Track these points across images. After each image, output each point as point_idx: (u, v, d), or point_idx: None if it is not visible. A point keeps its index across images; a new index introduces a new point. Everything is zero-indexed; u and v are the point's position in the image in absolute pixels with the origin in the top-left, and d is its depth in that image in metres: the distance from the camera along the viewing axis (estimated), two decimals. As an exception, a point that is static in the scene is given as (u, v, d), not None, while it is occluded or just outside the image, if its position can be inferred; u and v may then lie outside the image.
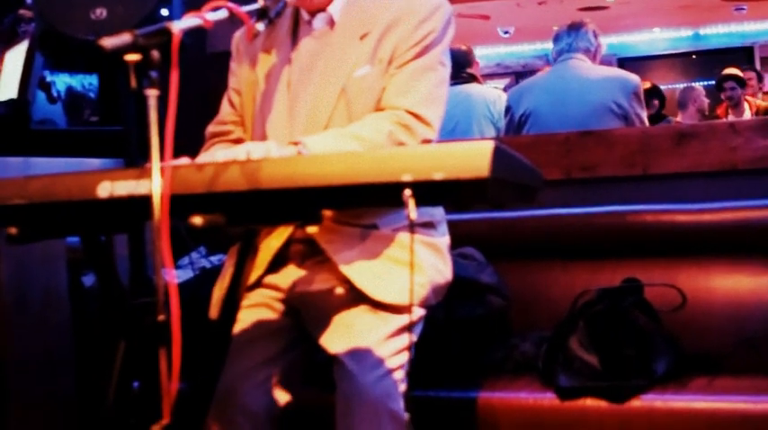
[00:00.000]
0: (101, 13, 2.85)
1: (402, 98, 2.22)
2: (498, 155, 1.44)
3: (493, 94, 5.47)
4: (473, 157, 1.43)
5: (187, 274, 3.25)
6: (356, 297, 2.21)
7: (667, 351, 2.64)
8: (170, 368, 1.53)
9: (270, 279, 2.31)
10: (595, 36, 4.62)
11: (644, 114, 4.43)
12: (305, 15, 2.36)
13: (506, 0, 11.66)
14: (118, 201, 1.65)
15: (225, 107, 2.49)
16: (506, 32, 13.63)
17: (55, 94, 3.92)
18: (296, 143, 2.09)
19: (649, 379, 2.54)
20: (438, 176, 1.43)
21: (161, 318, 1.52)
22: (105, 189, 1.65)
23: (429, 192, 1.48)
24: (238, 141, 2.42)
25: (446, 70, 2.33)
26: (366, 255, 2.23)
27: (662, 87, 8.17)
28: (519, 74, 13.62)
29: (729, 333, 2.81)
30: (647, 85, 7.93)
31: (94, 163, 3.18)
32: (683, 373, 2.63)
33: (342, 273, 2.22)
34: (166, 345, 1.52)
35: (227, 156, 1.94)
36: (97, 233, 1.96)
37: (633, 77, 4.49)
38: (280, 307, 2.32)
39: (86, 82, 4.16)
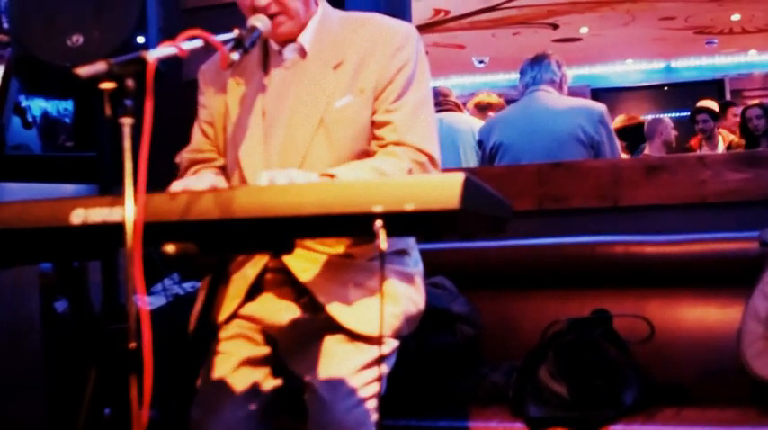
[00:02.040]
0: (77, 39, 2.86)
1: (411, 135, 2.25)
2: (468, 186, 1.46)
3: (479, 123, 5.52)
4: (444, 189, 1.45)
5: (160, 301, 3.24)
6: (332, 326, 2.21)
7: (636, 381, 2.66)
8: (141, 395, 1.53)
9: (246, 309, 2.31)
10: (559, 66, 4.67)
11: (613, 140, 4.48)
12: (274, 46, 2.37)
13: (481, 30, 11.77)
14: (91, 228, 1.65)
15: (199, 137, 2.48)
16: (481, 62, 13.74)
17: (30, 119, 3.91)
18: (330, 176, 2.10)
19: (618, 409, 2.56)
20: (409, 207, 1.45)
21: (132, 345, 1.53)
22: (79, 216, 1.66)
23: (400, 223, 1.49)
24: (222, 168, 2.43)
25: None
26: (341, 284, 2.24)
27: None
28: (493, 103, 13.69)
29: (697, 364, 2.83)
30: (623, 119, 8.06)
31: (68, 188, 3.18)
32: (652, 404, 2.65)
33: (317, 303, 2.23)
34: (137, 373, 1.52)
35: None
36: (70, 260, 1.97)
37: (598, 106, 4.56)
38: (258, 337, 2.31)
39: (62, 107, 4.16)
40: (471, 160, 5.29)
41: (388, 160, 2.21)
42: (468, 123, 5.50)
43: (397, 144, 2.24)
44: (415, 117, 2.27)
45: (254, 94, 2.36)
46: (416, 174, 2.20)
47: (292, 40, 2.34)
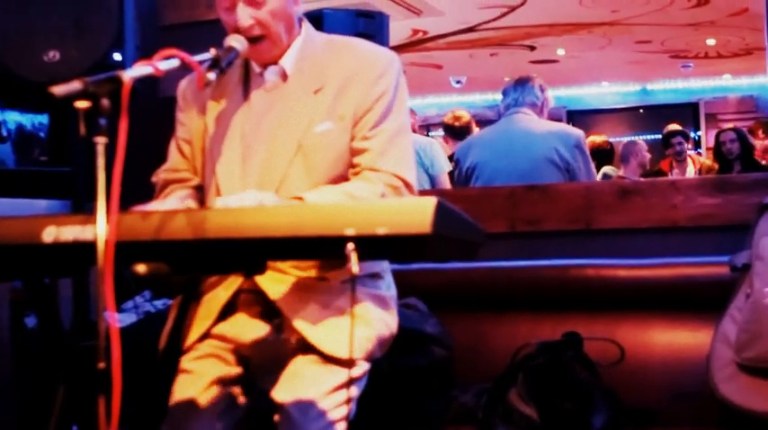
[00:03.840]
0: (53, 55, 2.86)
1: (386, 161, 2.27)
2: (440, 211, 1.46)
3: (423, 142, 5.53)
4: (416, 213, 1.45)
5: (131, 318, 3.23)
6: (304, 347, 2.21)
7: (605, 405, 2.66)
8: (109, 413, 1.52)
9: (218, 329, 2.31)
10: (542, 90, 4.70)
11: (589, 166, 4.50)
12: (255, 67, 2.37)
13: (459, 50, 11.81)
14: (63, 246, 1.65)
15: (175, 156, 2.49)
16: (458, 82, 13.77)
17: (5, 133, 3.90)
18: (299, 199, 2.12)
19: (587, 432, 2.57)
20: (381, 231, 1.45)
21: (101, 365, 1.52)
22: (50, 234, 1.65)
23: (372, 246, 1.50)
24: (198, 188, 2.44)
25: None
26: (315, 306, 2.24)
27: (610, 140, 8.31)
28: (470, 123, 13.74)
29: (667, 387, 2.84)
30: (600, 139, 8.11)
31: (42, 204, 3.17)
32: (621, 427, 2.65)
33: (290, 324, 2.23)
34: (106, 392, 1.52)
35: (237, 204, 1.98)
36: (41, 277, 1.96)
37: (575, 131, 4.59)
38: (230, 357, 2.31)
39: (37, 121, 4.15)
40: (422, 180, 5.29)
41: (362, 184, 2.22)
42: (416, 143, 5.48)
43: (371, 170, 2.26)
44: (391, 144, 2.28)
45: (233, 115, 2.37)
46: (390, 198, 2.21)
47: (274, 62, 2.35)
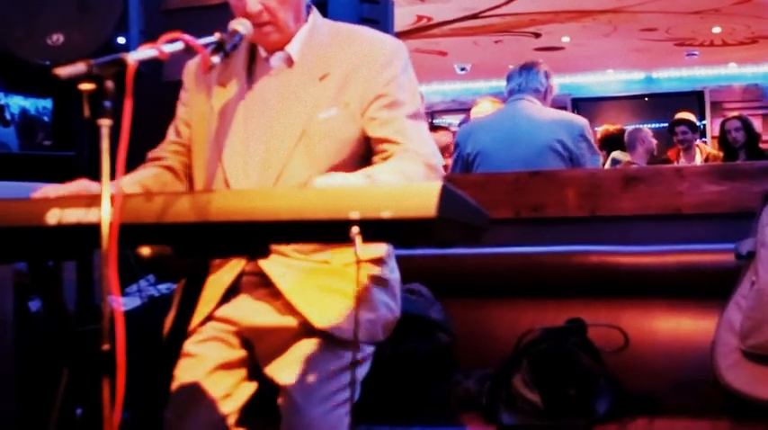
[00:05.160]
0: (57, 38, 2.85)
1: (414, 144, 2.24)
2: (446, 195, 1.46)
3: None
4: (421, 197, 1.45)
5: (134, 302, 3.23)
6: (307, 330, 2.21)
7: (609, 391, 2.66)
8: (113, 396, 1.52)
9: (221, 312, 2.31)
10: (547, 77, 4.67)
11: (595, 155, 4.49)
12: (262, 52, 2.37)
13: (464, 37, 11.79)
14: (67, 229, 1.65)
15: (170, 134, 2.51)
16: (463, 69, 13.76)
17: (8, 117, 3.90)
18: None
19: (590, 418, 2.56)
20: (385, 215, 1.45)
21: (106, 347, 1.52)
22: (54, 216, 1.65)
23: (376, 229, 1.49)
24: (168, 168, 2.44)
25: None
26: (317, 289, 2.24)
27: (623, 128, 8.28)
28: (474, 110, 13.74)
29: (670, 374, 2.84)
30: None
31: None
32: (624, 414, 2.65)
33: (293, 307, 2.22)
34: (110, 374, 1.52)
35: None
36: (45, 259, 1.96)
37: (580, 120, 4.57)
38: (233, 340, 2.31)
39: (41, 105, 4.15)
40: None
41: (409, 164, 2.17)
42: None
43: (405, 152, 2.22)
44: (413, 130, 2.27)
45: (237, 99, 2.37)
46: (431, 179, 2.17)
47: (280, 48, 2.34)
